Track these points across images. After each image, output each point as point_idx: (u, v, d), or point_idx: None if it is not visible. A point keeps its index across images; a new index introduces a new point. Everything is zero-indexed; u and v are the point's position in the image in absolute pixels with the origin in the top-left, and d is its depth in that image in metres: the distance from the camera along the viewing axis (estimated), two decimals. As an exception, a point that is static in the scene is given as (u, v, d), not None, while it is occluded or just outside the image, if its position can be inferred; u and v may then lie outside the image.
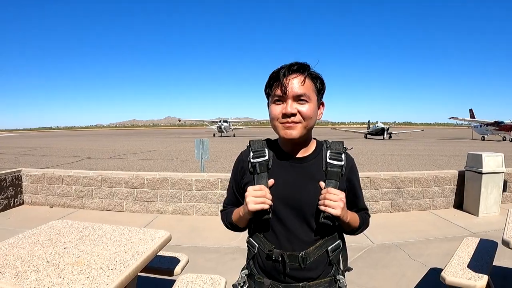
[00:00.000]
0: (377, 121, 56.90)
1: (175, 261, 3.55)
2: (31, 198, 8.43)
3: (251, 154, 1.79)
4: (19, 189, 8.31)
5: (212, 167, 16.79)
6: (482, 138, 53.32)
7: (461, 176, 8.08)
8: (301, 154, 1.76)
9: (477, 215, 7.48)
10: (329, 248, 1.72)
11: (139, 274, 2.62)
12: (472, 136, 58.67)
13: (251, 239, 1.83)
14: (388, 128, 53.51)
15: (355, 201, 1.88)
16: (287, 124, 1.62)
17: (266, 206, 1.61)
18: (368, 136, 55.64)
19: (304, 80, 1.62)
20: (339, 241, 1.80)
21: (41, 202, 8.36)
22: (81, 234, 2.90)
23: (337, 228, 1.77)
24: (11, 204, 8.07)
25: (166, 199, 7.76)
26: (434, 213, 7.76)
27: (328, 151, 1.76)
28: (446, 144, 40.09)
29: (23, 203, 8.42)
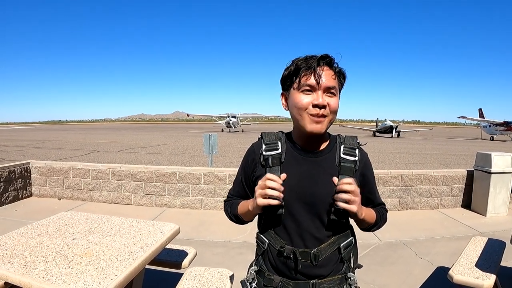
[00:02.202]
0: (385, 119, 56.65)
1: (183, 254, 3.56)
2: (40, 190, 8.48)
3: (264, 146, 1.73)
4: (27, 181, 8.36)
5: (220, 162, 16.79)
6: (491, 138, 52.97)
7: (470, 175, 8.03)
8: (315, 148, 1.71)
9: (485, 215, 7.43)
10: (341, 245, 1.69)
11: (147, 266, 2.62)
12: (481, 135, 58.30)
13: (261, 235, 1.78)
14: (397, 126, 53.25)
15: (370, 197, 1.85)
16: (317, 118, 1.58)
17: (277, 202, 1.57)
18: (377, 134, 55.32)
19: (334, 74, 1.60)
20: (351, 238, 1.76)
21: (50, 194, 8.41)
22: (90, 225, 2.91)
23: (349, 226, 1.76)
24: (20, 196, 8.12)
25: (174, 193, 7.77)
26: (442, 212, 7.71)
27: (342, 146, 1.72)
28: (454, 143, 39.89)
29: (31, 195, 8.47)
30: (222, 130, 59.07)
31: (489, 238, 4.19)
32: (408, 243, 5.72)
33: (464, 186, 8.06)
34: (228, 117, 59.79)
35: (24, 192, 8.24)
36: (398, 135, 53.33)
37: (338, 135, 1.82)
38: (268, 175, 1.59)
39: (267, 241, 1.73)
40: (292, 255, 1.64)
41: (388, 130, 52.47)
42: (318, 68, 1.56)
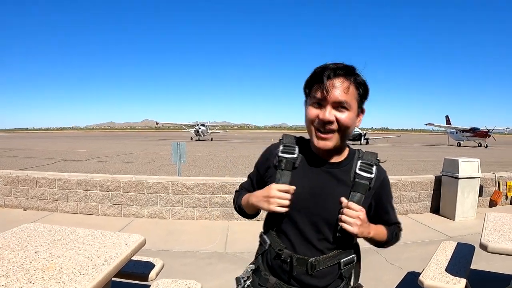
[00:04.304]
0: (354, 127, 57.14)
1: (150, 265, 3.51)
2: (5, 201, 8.25)
3: (281, 147, 1.73)
4: (-9, 191, 8.13)
5: (189, 171, 16.67)
6: (458, 144, 54.18)
7: (438, 181, 8.21)
8: (332, 160, 1.68)
9: (454, 219, 7.61)
10: (342, 260, 1.67)
11: (113, 279, 2.58)
12: (448, 142, 59.47)
13: (264, 235, 1.79)
14: (365, 134, 53.94)
15: (384, 217, 1.82)
16: (321, 135, 1.56)
17: (287, 210, 1.59)
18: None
19: (348, 87, 1.53)
20: (353, 255, 1.74)
21: (15, 205, 8.19)
22: (53, 237, 2.84)
23: (353, 244, 1.74)
24: (-17, 206, 7.88)
25: (142, 202, 7.68)
26: (411, 217, 7.85)
27: (359, 161, 1.69)
28: (422, 150, 40.64)
29: (-4, 205, 8.24)
30: (191, 139, 58.77)
31: (458, 243, 4.26)
32: (378, 249, 5.74)
33: (432, 192, 8.23)
34: (197, 125, 59.62)
35: (-12, 202, 8.01)
36: (367, 142, 53.95)
37: (358, 149, 1.79)
38: (279, 186, 1.60)
39: (269, 242, 1.73)
40: (289, 260, 1.63)
41: (356, 137, 53.02)
42: (328, 81, 1.51)
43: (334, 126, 1.54)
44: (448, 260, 3.72)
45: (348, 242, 1.67)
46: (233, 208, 2.05)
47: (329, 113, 1.52)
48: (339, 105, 1.52)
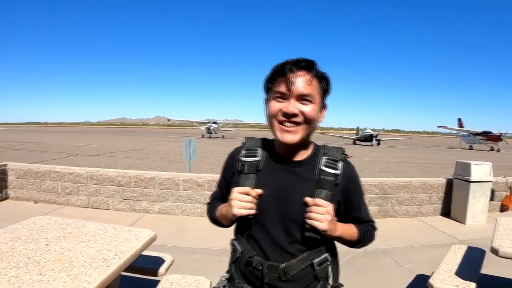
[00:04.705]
0: (366, 128, 57.19)
1: (160, 261, 3.51)
2: (16, 193, 8.33)
3: (243, 151, 1.71)
4: (4, 183, 8.21)
5: (199, 168, 16.70)
6: (470, 148, 53.83)
7: (449, 184, 8.13)
8: (296, 158, 1.65)
9: (464, 223, 7.53)
10: (314, 261, 1.61)
11: (122, 273, 2.57)
12: (460, 145, 59.14)
13: (235, 242, 1.75)
14: (377, 135, 53.86)
15: (354, 214, 1.76)
16: (286, 128, 1.53)
17: (253, 212, 1.55)
18: (357, 142, 55.70)
19: (311, 79, 1.52)
20: (326, 254, 1.66)
21: (26, 198, 8.26)
22: (64, 230, 2.84)
23: (327, 241, 1.65)
24: (-4, 198, 7.96)
25: (152, 198, 7.70)
26: (421, 220, 7.78)
27: (324, 158, 1.65)
28: (434, 152, 40.41)
29: (7, 197, 8.31)
30: (203, 136, 58.91)
31: (468, 246, 4.22)
32: (388, 251, 5.74)
33: (443, 195, 8.14)
34: (209, 122, 59.79)
35: (0, 194, 8.09)
36: (378, 144, 53.82)
37: (324, 145, 1.75)
38: (240, 188, 1.57)
39: (240, 249, 1.69)
40: (260, 267, 1.59)
41: (368, 138, 52.97)
42: (291, 74, 1.50)
43: (299, 118, 1.52)
44: (458, 263, 3.69)
45: (319, 241, 1.59)
46: None
47: (293, 106, 1.51)
48: (302, 98, 1.52)
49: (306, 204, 1.54)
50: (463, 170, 7.71)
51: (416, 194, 7.97)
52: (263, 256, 1.61)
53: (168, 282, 3.19)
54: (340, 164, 1.64)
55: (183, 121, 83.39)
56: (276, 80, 1.54)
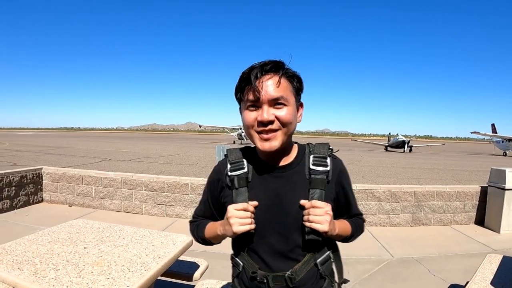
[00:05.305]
0: (397, 134, 56.64)
1: (194, 266, 3.50)
2: (51, 196, 8.51)
3: (229, 166, 1.65)
4: (39, 186, 8.40)
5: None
6: (504, 154, 52.70)
7: (483, 191, 7.91)
8: (282, 162, 1.61)
9: (499, 232, 7.31)
10: (317, 261, 1.59)
11: (158, 278, 2.58)
12: (493, 151, 58.04)
13: (236, 258, 1.70)
14: (409, 141, 53.21)
15: (347, 208, 1.73)
16: (265, 136, 1.48)
17: (253, 226, 1.51)
18: (389, 148, 55.28)
19: (279, 81, 1.46)
20: (328, 252, 1.65)
21: (61, 201, 8.43)
22: (102, 234, 2.87)
23: (326, 241, 1.60)
24: (31, 201, 8.16)
25: (185, 203, 7.74)
26: (455, 228, 7.60)
27: (311, 156, 1.61)
28: (467, 159, 39.66)
29: (42, 200, 8.50)
30: (234, 142, 59.23)
31: (504, 256, 4.11)
32: (421, 259, 5.63)
33: (477, 203, 7.94)
34: (240, 129, 60.09)
35: (35, 197, 8.27)
36: (410, 150, 53.19)
37: (308, 143, 1.71)
38: (237, 205, 1.52)
39: (242, 264, 1.65)
40: (265, 280, 1.55)
41: (400, 144, 52.42)
42: (257, 81, 1.45)
43: (275, 125, 1.47)
44: (494, 273, 3.58)
45: (320, 242, 1.55)
46: None
47: (267, 113, 1.45)
48: (275, 102, 1.46)
49: (303, 208, 1.50)
50: (497, 178, 7.51)
51: (450, 202, 7.81)
52: (266, 268, 1.57)
53: (204, 287, 3.19)
54: (328, 160, 1.61)
55: (215, 127, 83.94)
56: (245, 88, 1.49)
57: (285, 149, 1.59)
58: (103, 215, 7.63)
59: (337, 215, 1.67)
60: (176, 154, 31.81)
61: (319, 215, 1.45)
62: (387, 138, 63.75)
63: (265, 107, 1.45)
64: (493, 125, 64.17)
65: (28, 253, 2.37)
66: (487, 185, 7.88)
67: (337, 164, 1.65)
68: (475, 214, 7.96)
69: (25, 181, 7.95)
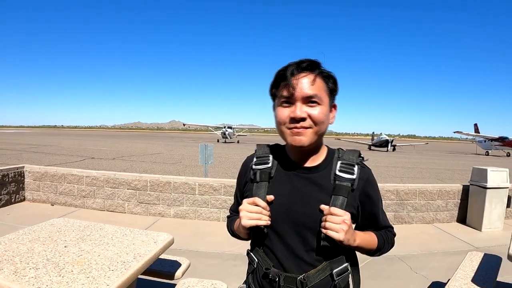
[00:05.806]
0: (381, 133, 56.89)
1: (176, 265, 3.51)
2: (33, 195, 8.43)
3: (254, 159, 1.66)
4: (21, 185, 8.31)
5: (215, 172, 16.72)
6: (486, 153, 53.29)
7: (465, 190, 8.04)
8: (309, 163, 1.58)
9: (480, 230, 7.45)
10: (334, 271, 1.53)
11: (140, 276, 2.58)
12: (476, 151, 58.64)
13: (251, 253, 1.68)
14: (392, 140, 53.50)
15: (373, 219, 1.68)
16: (296, 130, 1.46)
17: (262, 223, 1.49)
18: (372, 147, 55.47)
19: (314, 79, 1.45)
20: (346, 264, 1.59)
21: (43, 200, 8.36)
22: (83, 233, 2.86)
23: (346, 250, 1.57)
24: (13, 200, 8.07)
25: (168, 202, 7.73)
26: (437, 226, 7.71)
27: (339, 162, 1.57)
28: (450, 158, 40.05)
29: (24, 199, 8.42)
30: (218, 141, 59.11)
31: (485, 254, 4.17)
32: (403, 257, 5.69)
33: (459, 201, 8.06)
34: (224, 127, 60.02)
35: (17, 196, 8.18)
36: (394, 149, 53.53)
37: (338, 149, 1.67)
38: (249, 199, 1.52)
39: (256, 260, 1.63)
40: (277, 279, 1.52)
41: (383, 144, 52.69)
42: (292, 78, 1.44)
43: (307, 123, 1.46)
44: (475, 271, 3.64)
45: (337, 251, 1.53)
46: None
47: (300, 110, 1.44)
48: (308, 100, 1.45)
49: (322, 212, 1.47)
50: (479, 176, 7.63)
51: (432, 200, 7.90)
52: (279, 267, 1.55)
53: (185, 285, 3.19)
54: (356, 168, 1.57)
55: (198, 125, 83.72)
56: (280, 85, 1.49)
57: (314, 149, 1.58)
58: (85, 214, 7.59)
59: (363, 226, 1.67)
60: (160, 152, 31.66)
61: (336, 223, 1.42)
62: (370, 138, 64.03)
63: (298, 104, 1.45)
64: (475, 125, 64.80)
65: (8, 252, 2.36)
66: (469, 184, 8.01)
67: (365, 173, 1.60)
68: (457, 212, 8.08)
69: (7, 180, 7.85)
